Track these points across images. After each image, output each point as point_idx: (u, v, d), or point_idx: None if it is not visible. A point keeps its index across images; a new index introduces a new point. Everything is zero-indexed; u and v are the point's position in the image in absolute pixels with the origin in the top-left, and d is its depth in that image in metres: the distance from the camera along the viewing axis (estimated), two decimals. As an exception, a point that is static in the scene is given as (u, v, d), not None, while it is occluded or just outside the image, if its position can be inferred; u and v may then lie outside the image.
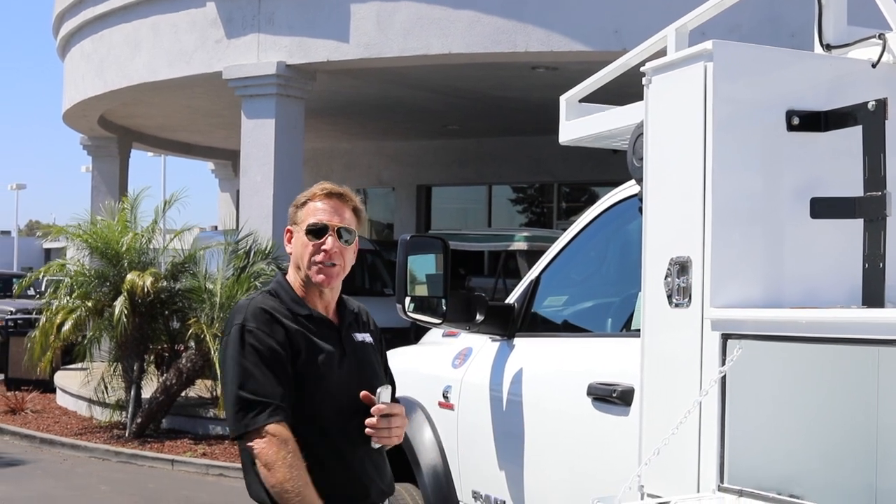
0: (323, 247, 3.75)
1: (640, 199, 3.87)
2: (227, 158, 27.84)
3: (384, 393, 3.72)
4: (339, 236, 3.78)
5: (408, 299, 5.13)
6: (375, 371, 3.93)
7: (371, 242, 20.68)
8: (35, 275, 18.54)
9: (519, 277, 14.69)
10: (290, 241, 3.87)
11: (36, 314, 17.97)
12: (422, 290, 5.23)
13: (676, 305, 3.50)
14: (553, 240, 14.49)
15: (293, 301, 3.79)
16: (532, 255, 13.59)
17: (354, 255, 3.91)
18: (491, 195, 25.43)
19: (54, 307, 15.04)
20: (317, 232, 3.76)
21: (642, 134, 3.84)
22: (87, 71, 19.32)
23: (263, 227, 14.73)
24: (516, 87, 17.16)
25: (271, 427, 3.55)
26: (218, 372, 10.35)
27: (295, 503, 3.50)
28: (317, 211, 3.79)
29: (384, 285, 18.53)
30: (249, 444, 3.58)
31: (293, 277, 3.86)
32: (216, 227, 26.35)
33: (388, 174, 26.13)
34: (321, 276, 3.77)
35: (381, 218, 27.99)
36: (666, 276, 3.55)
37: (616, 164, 22.18)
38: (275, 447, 3.54)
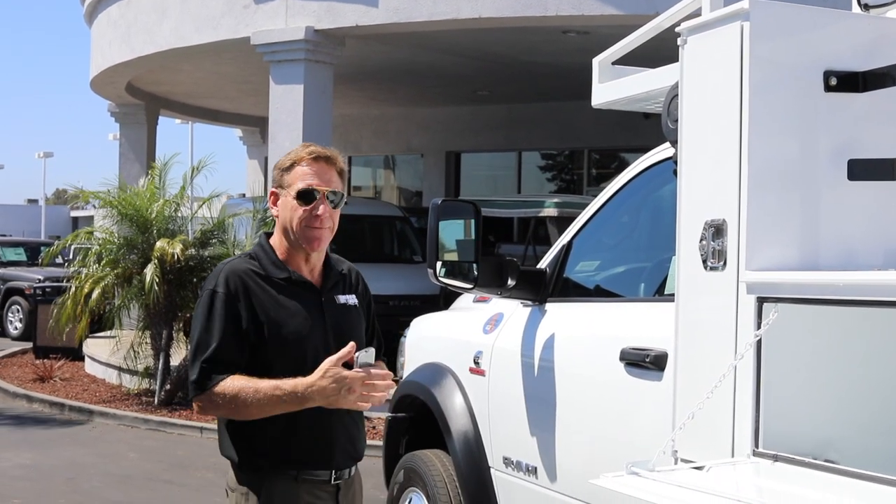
0: (315, 212, 3.75)
1: (675, 162, 3.83)
2: (255, 125, 27.82)
3: (363, 355, 3.61)
4: (329, 200, 3.78)
5: (439, 264, 5.10)
6: (356, 333, 3.88)
7: (399, 209, 20.65)
8: (63, 243, 18.57)
9: (549, 244, 14.65)
10: (275, 204, 3.86)
11: (65, 282, 18.03)
12: (450, 257, 5.20)
13: (711, 269, 3.46)
14: (583, 206, 14.44)
15: (272, 264, 3.80)
16: (562, 222, 13.54)
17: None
18: (521, 161, 25.32)
19: (83, 275, 15.06)
20: (307, 197, 3.75)
21: (677, 96, 3.78)
22: (113, 38, 19.32)
23: (292, 194, 14.64)
24: (547, 51, 17.06)
25: (217, 388, 3.60)
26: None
27: (252, 401, 3.54)
28: (305, 175, 3.77)
29: (413, 252, 18.50)
30: (207, 401, 3.63)
31: (278, 240, 3.87)
32: (244, 195, 26.37)
33: (418, 140, 26.05)
34: (311, 242, 3.78)
35: (410, 185, 27.95)
36: (701, 240, 3.50)
37: (647, 128, 22.05)
38: (225, 389, 3.58)
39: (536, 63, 18.22)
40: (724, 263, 3.41)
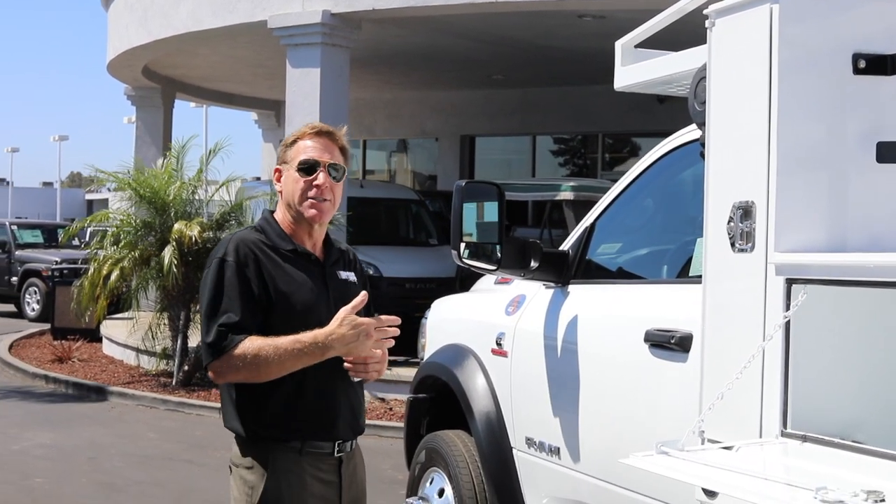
0: (315, 182, 3.83)
1: (702, 144, 3.84)
2: (271, 109, 27.85)
3: None
4: (329, 173, 3.86)
5: (462, 245, 5.13)
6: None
7: (415, 192, 20.66)
8: (81, 224, 18.65)
9: (564, 227, 14.68)
10: (279, 180, 3.94)
11: (82, 263, 18.10)
12: (468, 238, 5.23)
13: (739, 250, 3.48)
14: (600, 190, 14.41)
15: (278, 236, 3.89)
16: (578, 205, 13.53)
17: (342, 193, 4.00)
18: (535, 145, 25.31)
19: (101, 257, 15.12)
20: (308, 168, 3.84)
21: (704, 78, 3.79)
22: (130, 21, 19.35)
23: (308, 177, 14.67)
24: (563, 35, 17.04)
25: (234, 350, 3.65)
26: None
27: (273, 357, 3.61)
28: (307, 149, 3.87)
29: (429, 235, 18.52)
30: (225, 365, 3.67)
31: (282, 215, 3.95)
32: (258, 178, 26.41)
33: (432, 124, 26.03)
34: (314, 211, 3.85)
35: (424, 169, 27.94)
36: (729, 221, 3.52)
37: (662, 113, 22.04)
38: (245, 349, 3.63)
39: (552, 47, 18.21)
40: (753, 245, 3.42)
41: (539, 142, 25.39)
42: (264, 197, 15.01)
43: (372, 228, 17.51)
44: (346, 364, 3.78)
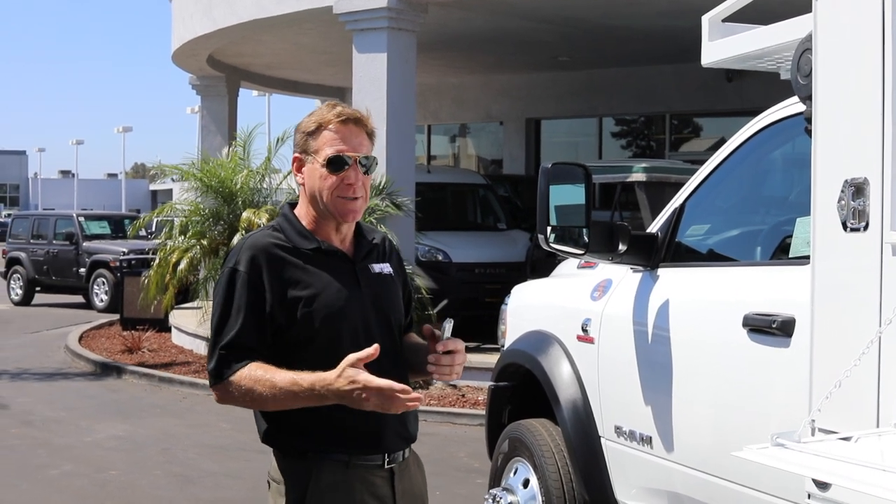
0: (347, 181, 3.45)
1: (807, 119, 3.67)
2: (335, 95, 27.75)
3: (448, 327, 3.46)
4: (361, 167, 3.49)
5: (549, 229, 4.97)
6: (393, 302, 3.65)
7: (483, 177, 20.54)
8: (151, 215, 18.68)
9: (636, 210, 14.46)
10: (299, 171, 3.56)
11: (152, 254, 18.14)
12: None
13: (852, 230, 3.30)
14: (672, 171, 14.17)
15: (299, 235, 3.51)
16: (651, 187, 13.31)
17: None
18: (601, 127, 25.09)
19: (169, 247, 15.12)
20: (337, 164, 3.45)
21: (808, 49, 3.62)
22: (195, 10, 19.35)
23: (377, 163, 14.60)
24: (627, 14, 16.81)
25: (233, 378, 3.35)
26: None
27: (269, 395, 3.28)
28: (334, 140, 3.47)
29: (497, 220, 18.39)
30: (224, 392, 3.40)
31: (304, 210, 3.56)
32: (323, 165, 26.36)
33: (497, 108, 25.86)
34: (347, 213, 3.49)
35: (489, 153, 27.79)
36: (839, 200, 3.33)
37: (730, 92, 21.71)
38: (241, 380, 3.33)
39: (617, 27, 17.97)
40: (866, 224, 3.24)
41: (605, 123, 25.17)
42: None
43: (440, 214, 17.38)
44: (428, 367, 3.47)
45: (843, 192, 3.32)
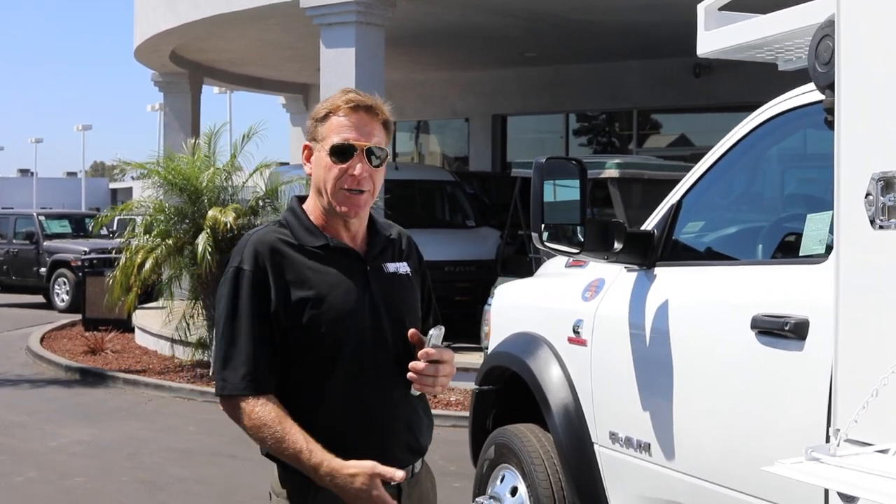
0: (350, 171, 3.22)
1: (826, 110, 3.47)
2: (299, 92, 27.59)
3: (436, 335, 3.21)
4: (368, 158, 3.27)
5: (543, 227, 4.74)
6: (409, 305, 3.41)
7: (451, 174, 20.34)
8: (113, 213, 18.35)
9: (609, 206, 14.25)
10: (308, 160, 3.35)
11: (115, 253, 17.85)
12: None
13: (881, 227, 3.08)
14: (646, 167, 13.93)
15: (306, 231, 3.30)
16: (623, 183, 13.10)
17: (384, 177, 3.37)
18: (568, 124, 24.95)
19: (133, 246, 14.86)
20: (342, 153, 3.23)
21: (827, 35, 3.42)
22: (158, 4, 19.09)
23: (343, 160, 14.38)
24: (597, 9, 16.67)
25: (244, 403, 3.16)
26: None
27: (272, 443, 3.13)
28: (341, 127, 3.24)
29: (465, 217, 18.19)
30: (230, 407, 3.22)
31: (312, 204, 3.35)
32: (286, 163, 26.11)
33: (463, 105, 25.69)
34: (346, 207, 3.26)
35: (455, 150, 27.61)
36: (867, 195, 3.12)
37: (697, 87, 21.60)
38: (251, 412, 3.14)
39: (587, 22, 17.83)
40: (897, 221, 3.04)
41: (571, 119, 25.04)
42: (299, 181, 14.67)
43: (408, 211, 17.14)
44: (409, 375, 3.22)
45: (871, 187, 3.11)
